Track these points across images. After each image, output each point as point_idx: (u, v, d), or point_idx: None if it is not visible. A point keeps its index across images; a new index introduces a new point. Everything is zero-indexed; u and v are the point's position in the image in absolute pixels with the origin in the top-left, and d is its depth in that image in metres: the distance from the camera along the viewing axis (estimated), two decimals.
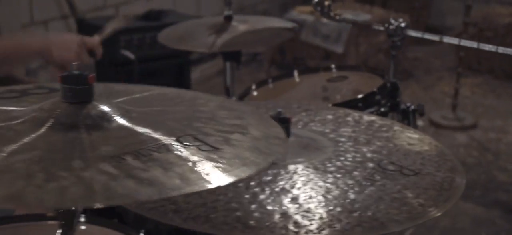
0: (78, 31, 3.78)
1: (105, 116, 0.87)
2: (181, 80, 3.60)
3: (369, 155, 1.24)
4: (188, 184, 0.74)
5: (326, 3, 2.02)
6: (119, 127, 0.86)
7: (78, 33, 2.09)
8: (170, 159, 0.80)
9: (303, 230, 1.01)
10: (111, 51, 3.40)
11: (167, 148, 0.82)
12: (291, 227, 1.02)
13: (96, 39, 2.04)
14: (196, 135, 0.87)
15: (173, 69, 3.57)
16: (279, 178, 1.14)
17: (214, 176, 0.78)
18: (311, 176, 1.15)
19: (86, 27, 3.66)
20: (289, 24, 2.24)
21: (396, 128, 1.40)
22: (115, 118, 0.87)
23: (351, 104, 1.68)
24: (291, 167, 1.17)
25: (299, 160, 1.20)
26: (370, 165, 1.20)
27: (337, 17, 2.01)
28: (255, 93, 1.96)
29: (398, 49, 1.99)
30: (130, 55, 3.32)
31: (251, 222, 1.02)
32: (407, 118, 1.84)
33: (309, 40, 4.24)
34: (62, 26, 4.05)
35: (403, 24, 1.97)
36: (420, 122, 4.49)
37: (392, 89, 1.84)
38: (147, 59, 3.44)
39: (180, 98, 1.07)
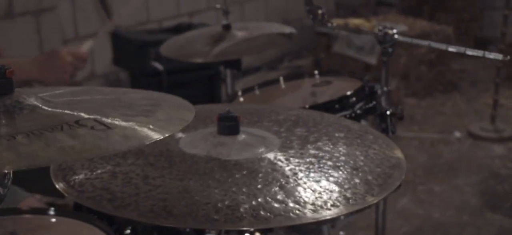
0: (112, 44, 3.93)
1: (18, 105, 0.96)
2: (211, 92, 3.69)
3: (311, 151, 1.29)
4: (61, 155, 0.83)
5: (319, 11, 2.06)
6: (30, 112, 0.96)
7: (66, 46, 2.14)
8: (58, 137, 0.89)
9: (223, 219, 1.07)
10: (142, 62, 3.53)
11: (62, 128, 0.91)
12: (215, 216, 1.08)
13: (83, 49, 2.10)
14: (100, 119, 0.96)
15: (203, 81, 3.66)
16: (215, 170, 1.20)
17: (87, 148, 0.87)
18: (245, 171, 1.20)
19: (119, 40, 3.80)
20: (287, 30, 2.29)
21: (356, 129, 1.44)
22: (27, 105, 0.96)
23: (327, 106, 1.72)
24: (232, 160, 1.23)
25: (243, 155, 1.26)
26: (308, 160, 1.25)
27: (329, 25, 2.05)
28: (241, 99, 2.02)
29: (389, 56, 2.02)
30: (159, 66, 3.43)
31: (175, 211, 1.09)
32: (385, 121, 1.86)
33: (343, 52, 4.27)
34: (107, 40, 4.21)
35: (392, 31, 2.00)
36: (457, 133, 4.46)
37: (369, 93, 1.86)
38: (177, 71, 3.54)
39: (114, 93, 1.15)
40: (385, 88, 2.01)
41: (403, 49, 5.03)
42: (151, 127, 0.98)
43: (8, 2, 3.70)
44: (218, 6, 2.19)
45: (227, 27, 2.19)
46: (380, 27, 1.98)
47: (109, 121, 0.96)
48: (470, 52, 1.89)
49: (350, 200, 1.12)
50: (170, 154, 1.29)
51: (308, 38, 5.36)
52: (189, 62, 3.50)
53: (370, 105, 1.84)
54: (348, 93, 1.81)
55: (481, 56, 1.83)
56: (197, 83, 3.64)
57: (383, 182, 1.20)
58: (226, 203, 1.11)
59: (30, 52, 3.90)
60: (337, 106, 1.76)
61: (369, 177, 1.21)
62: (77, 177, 1.21)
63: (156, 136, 0.96)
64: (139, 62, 3.53)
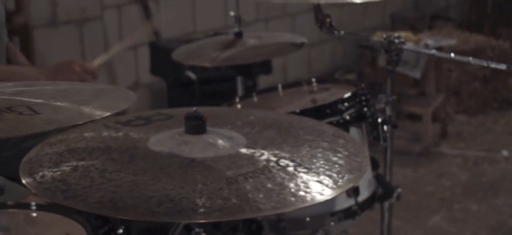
0: (150, 53, 4.01)
1: None
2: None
3: (273, 151, 1.30)
4: None
5: (328, 20, 2.07)
6: None
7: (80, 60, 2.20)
8: None
9: (163, 212, 1.10)
10: (176, 71, 3.60)
11: None
12: (156, 209, 1.10)
13: (93, 64, 2.15)
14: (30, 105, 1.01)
15: (235, 91, 3.69)
16: (171, 167, 1.23)
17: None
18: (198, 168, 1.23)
19: (156, 49, 3.87)
20: (299, 40, 2.30)
21: (329, 134, 1.45)
22: None
23: (314, 111, 1.73)
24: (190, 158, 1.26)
25: (204, 153, 1.28)
26: (264, 162, 1.26)
27: (336, 32, 2.06)
28: (238, 106, 2.04)
29: (394, 65, 2.01)
30: (192, 76, 3.49)
31: (120, 203, 1.12)
32: (376, 129, 1.85)
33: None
34: (147, 48, 4.30)
35: (399, 40, 1.99)
36: (505, 152, 4.35)
37: (361, 99, 1.86)
38: (211, 81, 3.59)
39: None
40: (390, 98, 1.99)
41: (455, 65, 4.94)
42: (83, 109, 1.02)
43: (52, 11, 3.83)
44: (232, 13, 2.22)
45: (239, 35, 2.22)
46: (385, 36, 1.97)
47: (39, 107, 1.01)
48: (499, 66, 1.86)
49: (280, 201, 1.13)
50: (135, 151, 1.32)
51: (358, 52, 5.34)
52: (223, 73, 3.59)
53: (361, 112, 1.82)
54: (334, 99, 1.81)
55: None
56: (229, 93, 3.67)
57: (333, 184, 1.20)
58: (174, 197, 1.13)
59: None
60: (327, 111, 1.76)
61: (321, 177, 1.21)
62: (42, 171, 1.25)
63: (79, 121, 1.00)
64: (173, 71, 3.60)
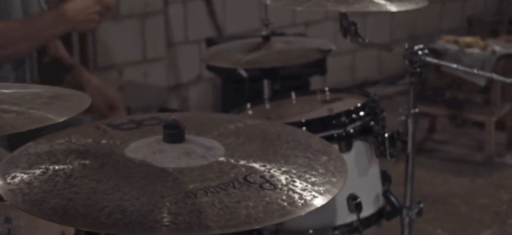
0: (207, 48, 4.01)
1: None
2: None
3: (245, 165, 1.28)
4: None
5: (353, 27, 2.02)
6: None
7: None
8: None
9: (111, 223, 1.09)
10: (228, 68, 3.59)
11: None
12: (105, 219, 1.10)
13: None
14: None
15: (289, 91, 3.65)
16: (137, 176, 1.22)
17: None
18: (167, 180, 1.22)
19: (212, 45, 3.86)
20: (327, 46, 2.25)
21: (314, 149, 1.41)
22: None
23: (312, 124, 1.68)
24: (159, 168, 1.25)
25: (176, 163, 1.27)
26: (233, 175, 1.23)
27: (360, 40, 2.00)
28: (250, 112, 2.01)
29: (417, 76, 1.93)
30: (244, 73, 3.47)
31: (72, 211, 1.12)
32: (383, 144, 1.78)
33: (452, 71, 4.10)
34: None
35: (423, 51, 1.91)
36: None
37: (369, 111, 1.79)
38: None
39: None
40: (412, 111, 1.92)
41: None
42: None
43: (115, 4, 3.90)
44: (264, 19, 2.19)
45: (266, 38, 2.20)
46: (407, 46, 1.89)
47: None
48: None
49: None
50: (110, 156, 1.32)
51: None
52: (278, 72, 3.56)
53: (367, 125, 1.76)
54: (338, 112, 1.75)
55: None
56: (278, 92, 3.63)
57: (290, 201, 1.16)
58: (126, 209, 1.12)
59: (134, 54, 4.09)
60: (332, 122, 1.71)
61: (283, 197, 1.18)
62: (15, 172, 1.27)
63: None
64: (226, 68, 3.60)
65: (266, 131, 1.49)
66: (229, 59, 2.15)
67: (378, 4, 1.86)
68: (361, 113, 1.80)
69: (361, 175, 1.81)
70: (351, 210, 1.78)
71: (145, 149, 1.34)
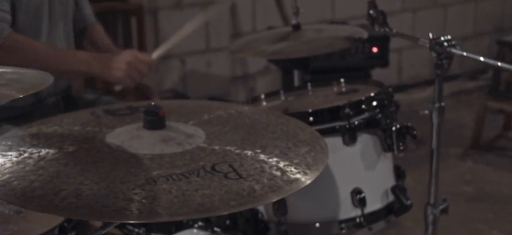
0: None
1: None
2: None
3: (216, 154, 1.26)
4: None
5: (381, 17, 1.95)
6: None
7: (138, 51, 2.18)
8: None
9: (63, 206, 1.10)
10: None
11: None
12: (59, 203, 1.11)
13: (150, 57, 2.13)
14: None
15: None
16: (107, 161, 1.23)
17: None
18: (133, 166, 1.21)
19: None
20: (357, 34, 2.17)
21: (298, 140, 1.37)
22: None
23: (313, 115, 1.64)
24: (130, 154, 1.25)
25: (151, 149, 1.27)
26: (202, 164, 1.22)
27: (387, 30, 1.93)
28: (264, 103, 1.97)
29: (443, 69, 1.85)
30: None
31: (29, 193, 1.14)
32: (390, 137, 1.70)
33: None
34: None
35: (448, 42, 1.82)
36: None
37: (376, 105, 1.72)
38: (320, 70, 3.51)
39: None
40: (437, 105, 1.84)
41: None
42: None
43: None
44: (294, 7, 2.15)
45: (296, 27, 2.15)
46: (433, 36, 1.81)
47: None
48: None
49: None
50: (88, 142, 1.33)
51: None
52: (337, 64, 3.51)
53: (374, 118, 1.69)
54: (341, 104, 1.69)
55: None
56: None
57: (249, 193, 1.13)
58: (82, 193, 1.13)
59: (197, 43, 4.12)
60: (338, 114, 1.65)
61: (244, 187, 1.15)
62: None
63: None
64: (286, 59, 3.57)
65: (257, 120, 1.46)
66: (255, 50, 2.12)
67: None
68: (367, 105, 1.73)
69: (368, 169, 1.74)
70: (355, 205, 1.72)
71: (125, 134, 1.34)
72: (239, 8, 4.35)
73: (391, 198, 1.81)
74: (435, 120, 1.87)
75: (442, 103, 1.86)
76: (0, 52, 1.92)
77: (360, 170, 1.74)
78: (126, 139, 1.32)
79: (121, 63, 2.03)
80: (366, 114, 1.74)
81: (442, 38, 1.82)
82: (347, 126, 1.68)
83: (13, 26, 2.01)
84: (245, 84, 4.49)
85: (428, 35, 1.85)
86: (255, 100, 1.98)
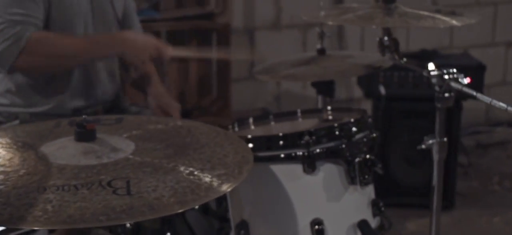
0: None
1: None
2: (449, 125, 3.39)
3: (125, 169, 1.28)
4: None
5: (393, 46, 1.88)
6: None
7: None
8: None
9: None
10: (369, 84, 3.47)
11: None
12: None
13: (169, 49, 2.12)
14: None
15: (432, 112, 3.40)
16: (26, 170, 1.29)
17: None
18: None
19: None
20: (380, 63, 2.07)
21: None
22: None
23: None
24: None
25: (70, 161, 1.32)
26: (103, 178, 1.25)
27: (396, 58, 1.85)
28: (252, 127, 1.94)
29: (443, 103, 1.74)
30: (382, 90, 3.33)
31: None
32: (353, 170, 1.61)
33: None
34: None
35: (450, 76, 1.72)
36: None
37: (340, 135, 1.63)
38: (406, 98, 3.37)
39: None
40: (437, 140, 1.74)
41: None
42: None
43: (276, 16, 3.99)
44: (318, 29, 2.12)
45: (321, 52, 2.12)
46: (433, 67, 1.71)
47: None
48: None
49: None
50: (24, 149, 1.40)
51: None
52: (423, 92, 3.35)
53: (337, 147, 1.61)
54: (302, 130, 1.63)
55: None
56: (428, 113, 3.37)
57: (124, 210, 1.14)
58: None
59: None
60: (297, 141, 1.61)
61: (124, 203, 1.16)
62: None
63: None
64: (367, 83, 3.47)
65: (196, 138, 1.47)
66: (275, 73, 2.10)
67: None
68: (328, 134, 1.65)
69: (330, 200, 1.66)
70: None
71: (58, 145, 1.40)
72: (345, 32, 4.29)
73: (358, 233, 1.72)
74: (435, 156, 1.76)
75: (445, 139, 1.75)
76: (24, 56, 1.94)
77: (322, 200, 1.66)
78: (56, 149, 1.38)
79: (148, 45, 2.06)
80: (328, 143, 1.67)
81: (444, 71, 1.72)
82: (306, 154, 1.63)
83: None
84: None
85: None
86: (243, 123, 1.96)
